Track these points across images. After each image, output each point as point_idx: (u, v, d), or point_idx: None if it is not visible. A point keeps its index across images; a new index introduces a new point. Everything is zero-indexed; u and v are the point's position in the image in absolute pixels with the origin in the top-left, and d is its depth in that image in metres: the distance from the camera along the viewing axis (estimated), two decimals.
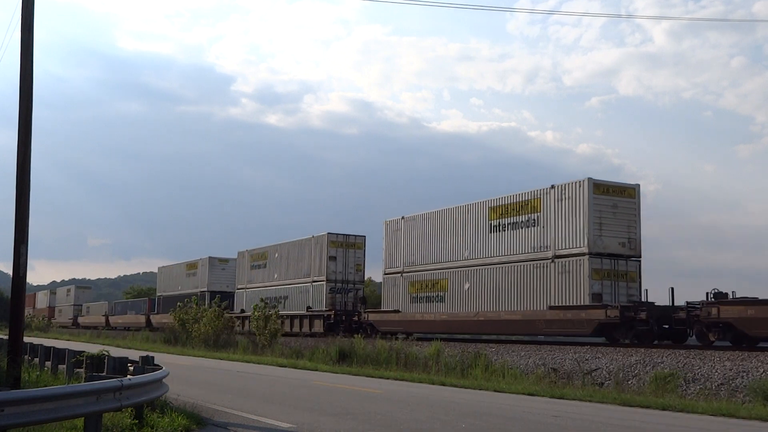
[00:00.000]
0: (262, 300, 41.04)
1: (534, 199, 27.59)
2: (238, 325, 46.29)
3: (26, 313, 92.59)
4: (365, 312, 37.45)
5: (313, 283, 41.85)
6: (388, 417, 12.35)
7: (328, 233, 41.07)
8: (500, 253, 28.89)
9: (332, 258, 40.86)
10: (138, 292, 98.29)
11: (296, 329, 41.84)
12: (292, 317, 42.48)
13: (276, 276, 46.48)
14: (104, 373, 12.06)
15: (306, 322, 41.44)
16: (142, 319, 66.11)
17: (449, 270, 31.61)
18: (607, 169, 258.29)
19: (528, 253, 27.54)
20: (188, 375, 21.59)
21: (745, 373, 17.56)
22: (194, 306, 45.91)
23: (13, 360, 13.71)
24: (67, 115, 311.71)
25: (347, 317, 38.67)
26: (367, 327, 36.07)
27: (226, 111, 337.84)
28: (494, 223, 29.40)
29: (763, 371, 17.23)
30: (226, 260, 57.97)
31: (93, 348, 18.87)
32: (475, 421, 12.06)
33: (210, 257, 57.73)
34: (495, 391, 18.50)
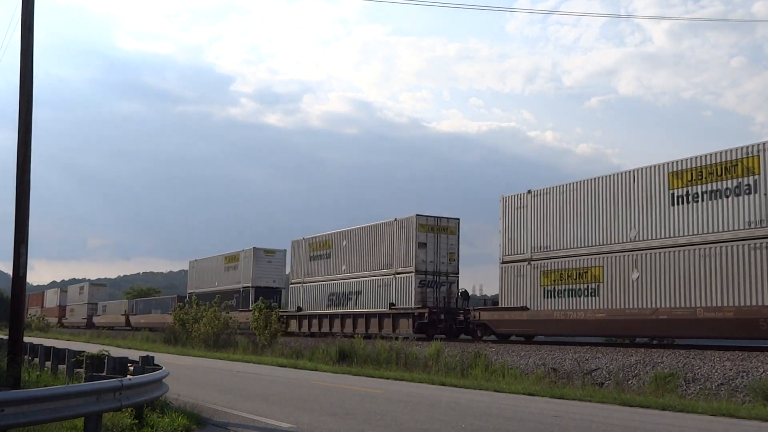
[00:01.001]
0: (262, 300, 40.94)
1: (748, 157, 20.92)
2: (292, 327, 42.51)
3: (34, 313, 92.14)
4: (475, 310, 30.93)
5: (397, 276, 34.87)
6: (388, 417, 12.35)
7: (417, 215, 34.15)
8: (691, 231, 22.13)
9: (422, 245, 33.88)
10: (138, 293, 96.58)
11: (373, 330, 34.97)
12: (368, 316, 36.17)
13: (344, 268, 39.50)
14: (104, 373, 12.06)
15: (388, 321, 34.60)
16: (169, 318, 56.34)
17: (605, 256, 24.75)
18: (608, 168, 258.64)
19: (739, 229, 20.81)
20: (188, 375, 21.60)
21: (745, 373, 17.56)
22: (194, 306, 45.86)
23: (13, 360, 13.71)
24: (67, 115, 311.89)
25: (447, 316, 32.31)
26: (477, 328, 30.46)
27: (225, 111, 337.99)
28: (679, 192, 22.59)
29: (763, 371, 17.23)
30: (272, 251, 51.58)
31: (93, 348, 18.88)
32: (475, 421, 12.06)
33: (255, 248, 50.66)
34: (495, 391, 18.50)
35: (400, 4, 31.26)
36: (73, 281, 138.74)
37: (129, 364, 12.98)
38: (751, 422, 12.98)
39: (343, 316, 38.33)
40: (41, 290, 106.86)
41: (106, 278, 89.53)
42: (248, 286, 50.14)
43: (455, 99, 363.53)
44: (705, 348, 21.22)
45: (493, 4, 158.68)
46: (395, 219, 35.52)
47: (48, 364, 19.69)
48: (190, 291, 59.54)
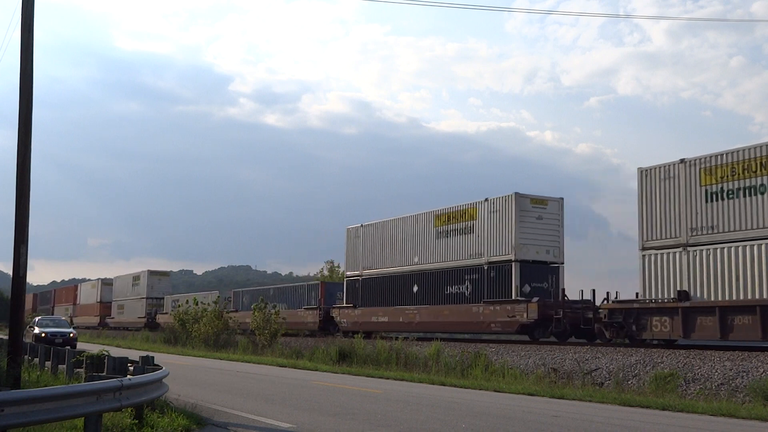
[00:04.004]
0: (262, 299, 40.95)
1: None
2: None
3: (66, 311, 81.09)
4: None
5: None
6: (388, 417, 12.35)
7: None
8: None
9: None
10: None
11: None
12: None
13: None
14: (104, 373, 12.06)
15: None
16: (309, 316, 43.30)
17: None
18: (607, 168, 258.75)
19: None
20: (188, 375, 21.60)
21: (745, 373, 17.56)
22: (194, 306, 45.80)
23: (13, 360, 13.71)
24: (66, 115, 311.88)
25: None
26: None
27: (224, 111, 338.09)
28: None
29: (763, 371, 17.23)
30: (543, 201, 30.58)
31: (93, 348, 18.88)
32: (474, 420, 12.06)
33: (517, 194, 29.29)
34: (495, 391, 18.50)
35: (399, 4, 31.10)
36: (73, 281, 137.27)
37: (129, 364, 12.97)
38: (751, 422, 12.98)
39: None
40: (87, 282, 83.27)
41: (106, 278, 77.49)
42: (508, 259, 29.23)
43: (454, 99, 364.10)
44: (705, 348, 21.21)
45: (491, 4, 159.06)
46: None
47: (48, 364, 19.68)
48: (351, 273, 39.45)
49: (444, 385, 20.12)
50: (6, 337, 15.06)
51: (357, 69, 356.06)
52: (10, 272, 14.50)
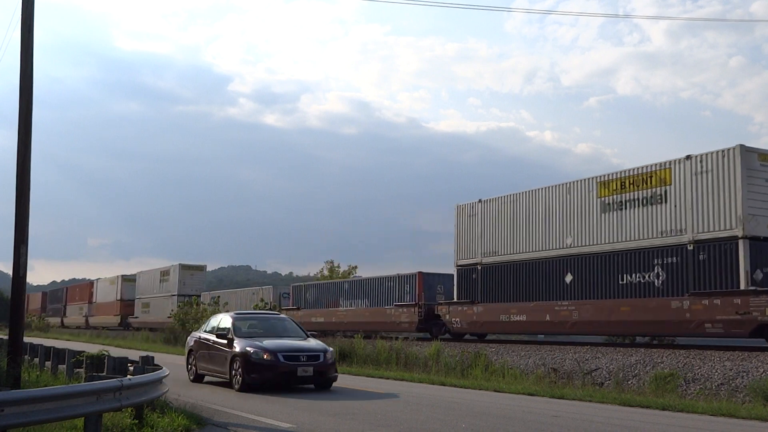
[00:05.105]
0: (262, 299, 40.92)
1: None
2: None
3: (80, 310, 75.77)
4: None
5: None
6: (388, 417, 12.35)
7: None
8: None
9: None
10: None
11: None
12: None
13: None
14: (104, 373, 12.07)
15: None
16: (403, 315, 35.54)
17: None
18: (607, 168, 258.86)
19: None
20: (188, 375, 21.55)
21: (745, 373, 17.57)
22: (194, 306, 45.80)
23: (13, 360, 13.72)
24: (66, 115, 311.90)
25: None
26: None
27: (224, 111, 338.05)
28: None
29: (763, 371, 17.23)
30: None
31: (93, 348, 18.87)
32: (474, 420, 12.06)
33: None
34: (495, 391, 18.49)
35: (399, 4, 31.00)
36: (74, 281, 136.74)
37: (129, 364, 12.99)
38: (751, 422, 12.97)
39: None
40: (103, 280, 74.84)
41: (106, 278, 73.09)
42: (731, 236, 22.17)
43: (454, 99, 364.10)
44: (705, 348, 21.21)
45: (491, 4, 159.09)
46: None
47: (48, 364, 19.69)
48: (465, 262, 31.28)
49: (444, 385, 20.12)
50: (6, 337, 15.05)
51: (356, 69, 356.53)
52: (10, 272, 14.51)
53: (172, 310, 50.60)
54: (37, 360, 20.94)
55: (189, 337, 20.98)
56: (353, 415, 12.49)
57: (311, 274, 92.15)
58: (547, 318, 26.39)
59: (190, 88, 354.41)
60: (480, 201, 30.94)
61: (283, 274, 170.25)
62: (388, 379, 22.05)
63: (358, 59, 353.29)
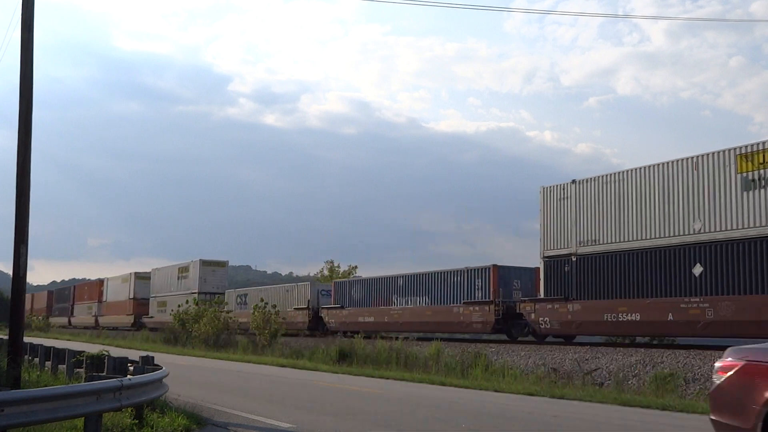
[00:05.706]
0: (262, 300, 40.92)
1: None
2: None
3: (90, 309, 72.31)
4: None
5: None
6: (388, 417, 12.35)
7: None
8: None
9: None
10: None
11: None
12: None
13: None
14: (104, 373, 12.06)
15: None
16: (474, 314, 30.83)
17: None
18: (607, 168, 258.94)
19: None
20: (188, 375, 21.59)
21: None
22: (193, 306, 45.73)
23: (13, 360, 13.71)
24: (66, 115, 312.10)
25: None
26: None
27: (224, 111, 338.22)
28: None
29: None
30: None
31: (93, 348, 18.87)
32: (474, 420, 12.07)
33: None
34: (495, 391, 18.50)
35: (399, 4, 30.95)
36: (73, 281, 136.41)
37: (129, 364, 12.98)
38: None
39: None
40: (114, 278, 70.49)
41: (140, 272, 66.14)
42: None
43: (454, 99, 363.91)
44: (705, 348, 21.20)
45: (491, 4, 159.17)
46: None
47: (48, 364, 19.69)
48: (551, 254, 27.43)
49: (444, 385, 20.13)
50: (6, 337, 15.04)
51: (356, 69, 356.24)
52: (10, 272, 14.50)
53: (189, 306, 46.46)
54: (37, 360, 20.93)
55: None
56: (353, 415, 12.50)
57: (311, 274, 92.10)
58: (670, 317, 22.18)
59: (190, 88, 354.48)
60: (574, 182, 26.60)
61: (283, 274, 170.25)
62: (388, 379, 22.06)
63: (358, 59, 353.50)
